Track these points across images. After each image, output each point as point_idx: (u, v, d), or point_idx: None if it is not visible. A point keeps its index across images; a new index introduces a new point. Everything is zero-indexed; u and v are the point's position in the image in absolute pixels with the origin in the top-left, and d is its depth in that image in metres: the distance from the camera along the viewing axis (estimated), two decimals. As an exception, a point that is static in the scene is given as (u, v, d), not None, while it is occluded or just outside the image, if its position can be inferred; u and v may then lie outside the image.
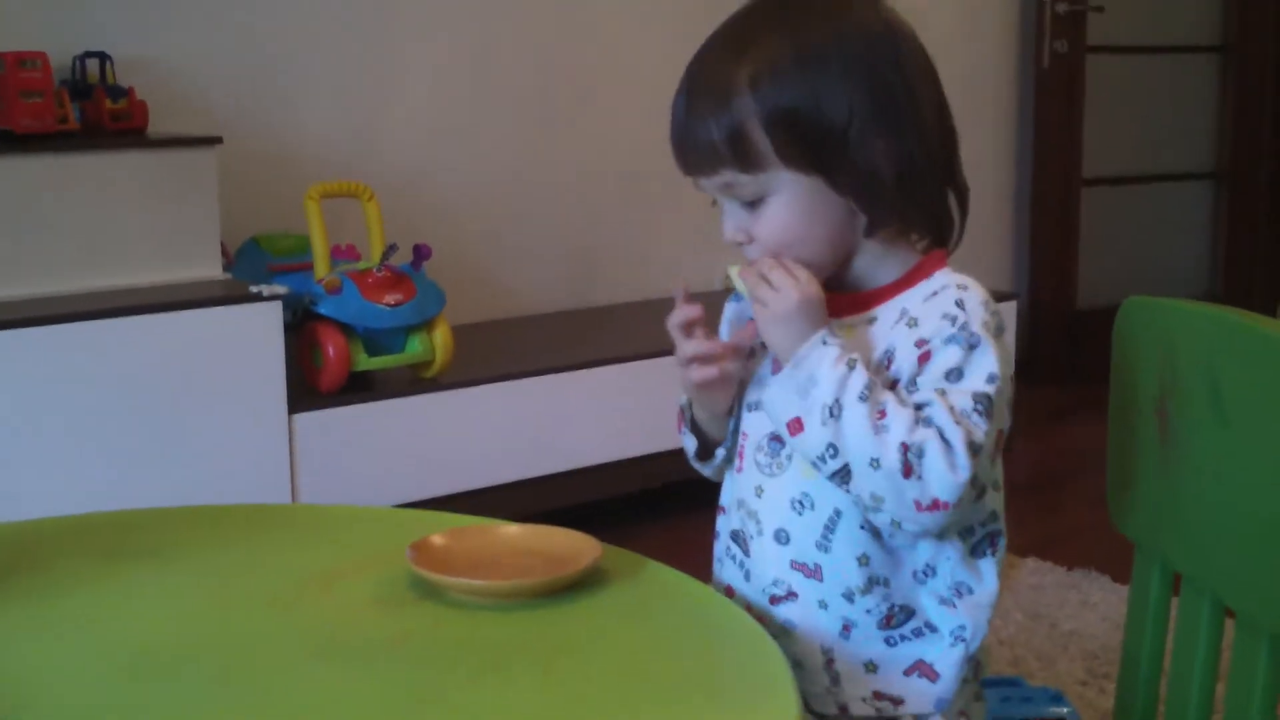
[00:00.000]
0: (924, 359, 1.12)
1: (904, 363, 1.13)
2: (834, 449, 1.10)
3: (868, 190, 1.14)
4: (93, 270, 2.44)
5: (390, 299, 2.58)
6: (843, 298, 1.18)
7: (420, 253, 2.67)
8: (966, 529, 1.18)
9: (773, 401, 1.16)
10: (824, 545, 1.16)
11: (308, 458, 2.51)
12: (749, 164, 1.14)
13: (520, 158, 3.31)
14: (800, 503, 1.17)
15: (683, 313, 1.20)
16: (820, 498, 1.16)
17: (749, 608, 1.18)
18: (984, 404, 1.10)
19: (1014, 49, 4.21)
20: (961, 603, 1.18)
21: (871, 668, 1.17)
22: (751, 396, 1.22)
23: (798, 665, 1.15)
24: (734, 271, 1.19)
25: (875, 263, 1.19)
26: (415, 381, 2.69)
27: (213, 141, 2.54)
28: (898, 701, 1.18)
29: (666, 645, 1.02)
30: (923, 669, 1.18)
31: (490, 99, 3.25)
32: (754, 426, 1.21)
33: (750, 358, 1.22)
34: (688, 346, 1.20)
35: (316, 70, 3.01)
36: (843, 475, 1.10)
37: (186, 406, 2.38)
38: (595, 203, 3.43)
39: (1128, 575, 1.32)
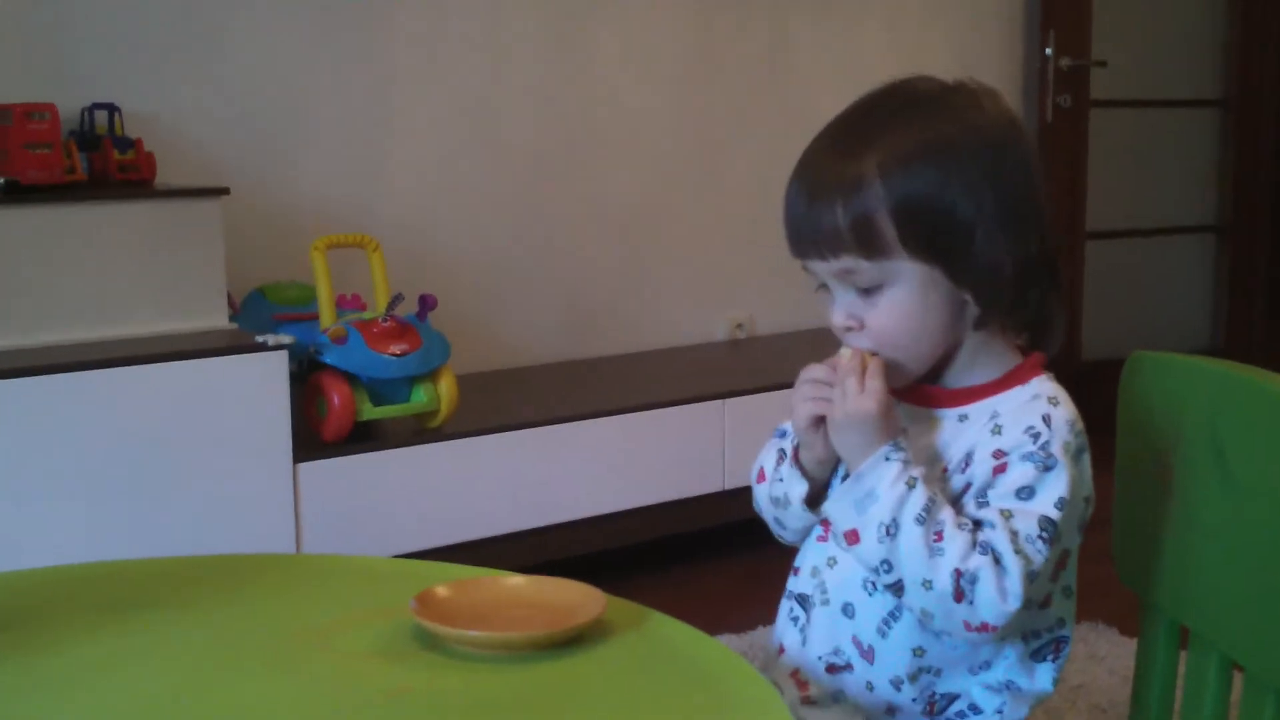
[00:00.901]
0: (999, 470, 1.13)
1: (980, 469, 1.14)
2: (889, 565, 1.11)
3: (987, 283, 1.14)
4: (99, 319, 2.45)
5: (395, 349, 2.58)
6: (942, 391, 1.19)
7: (426, 303, 2.67)
8: (1032, 632, 1.19)
9: (832, 510, 1.16)
10: (883, 631, 1.18)
11: (312, 507, 2.50)
12: (872, 251, 1.13)
13: (519, 211, 3.32)
14: (871, 584, 1.18)
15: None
16: None
17: (798, 670, 1.20)
18: (1049, 530, 1.11)
19: (1018, 103, 4.23)
20: (1009, 693, 1.19)
21: None
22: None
23: None
24: (846, 353, 1.18)
25: (974, 358, 1.20)
26: (420, 431, 2.68)
27: (219, 193, 2.55)
28: None
29: (671, 699, 1.01)
30: None
31: (490, 153, 3.27)
32: None
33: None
34: (816, 370, 1.18)
35: (320, 124, 3.04)
36: (896, 589, 1.12)
37: (191, 455, 2.38)
38: (593, 256, 3.44)
39: (1135, 628, 1.32)
